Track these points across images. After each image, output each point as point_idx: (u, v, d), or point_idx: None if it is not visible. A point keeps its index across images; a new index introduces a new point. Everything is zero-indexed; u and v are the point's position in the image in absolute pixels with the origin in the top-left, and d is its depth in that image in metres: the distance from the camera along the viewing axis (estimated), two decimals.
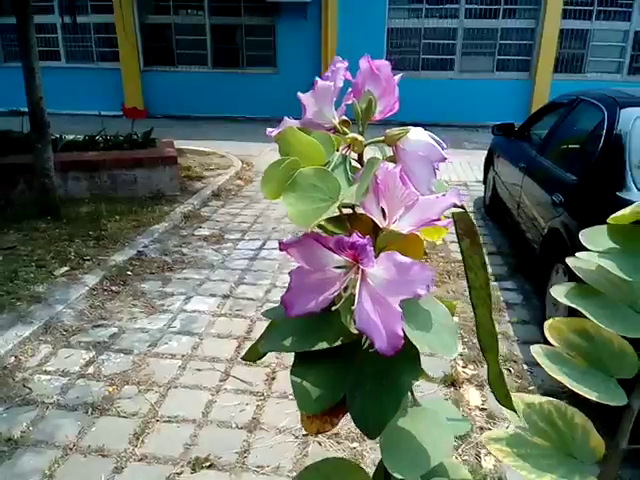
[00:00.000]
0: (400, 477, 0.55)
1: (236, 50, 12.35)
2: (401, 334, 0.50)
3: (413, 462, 0.57)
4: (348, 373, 0.56)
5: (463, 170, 7.87)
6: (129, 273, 4.22)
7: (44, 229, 4.90)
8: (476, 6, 11.40)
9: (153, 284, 4.07)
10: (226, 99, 12.18)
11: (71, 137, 6.54)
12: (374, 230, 0.59)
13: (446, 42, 11.72)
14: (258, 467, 2.33)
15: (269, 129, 0.64)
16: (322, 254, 0.53)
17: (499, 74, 11.80)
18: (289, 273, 0.56)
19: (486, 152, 6.28)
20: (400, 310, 0.50)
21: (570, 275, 2.94)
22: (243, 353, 3.16)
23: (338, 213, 0.60)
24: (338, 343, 0.56)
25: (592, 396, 0.67)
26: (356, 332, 0.54)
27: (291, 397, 2.78)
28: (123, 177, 6.01)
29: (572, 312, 0.75)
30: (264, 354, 0.69)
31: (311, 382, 0.55)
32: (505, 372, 3.02)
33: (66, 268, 4.14)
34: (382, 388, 0.55)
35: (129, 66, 12.28)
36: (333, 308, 0.54)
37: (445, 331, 0.57)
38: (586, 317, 0.73)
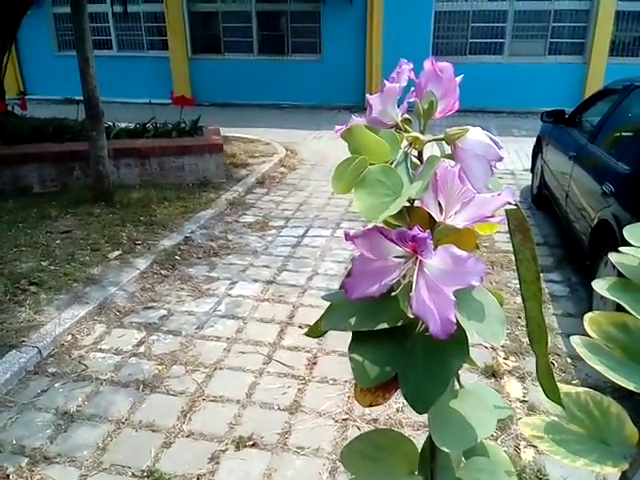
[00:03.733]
0: (446, 450, 0.60)
1: (281, 37, 12.41)
2: (454, 320, 0.54)
3: (458, 438, 0.61)
4: (401, 353, 0.61)
5: (510, 159, 7.69)
6: (177, 258, 4.37)
7: (98, 214, 5.12)
8: None
9: (200, 269, 4.20)
10: (271, 86, 12.28)
11: (123, 125, 6.77)
12: (429, 223, 0.62)
13: (495, 25, 11.39)
14: (299, 448, 2.41)
15: (337, 126, 0.68)
16: (384, 245, 0.58)
17: (551, 58, 11.39)
18: (351, 260, 0.61)
19: (535, 140, 6.12)
20: (454, 298, 0.54)
21: None
22: (285, 337, 3.24)
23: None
24: (397, 324, 0.60)
25: (629, 386, 0.68)
26: (412, 316, 0.59)
27: (331, 382, 2.85)
28: (171, 164, 6.19)
29: (620, 307, 0.76)
30: (324, 332, 0.74)
31: (368, 359, 0.61)
32: None
33: (119, 252, 4.33)
34: (433, 368, 0.60)
35: (177, 54, 12.55)
36: (393, 294, 0.58)
37: (493, 320, 0.60)
38: (627, 312, 0.74)
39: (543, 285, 3.90)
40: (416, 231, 0.54)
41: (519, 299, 3.59)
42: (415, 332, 0.62)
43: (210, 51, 12.72)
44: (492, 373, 2.89)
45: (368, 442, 0.76)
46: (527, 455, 2.36)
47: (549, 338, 3.22)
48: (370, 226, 0.58)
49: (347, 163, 0.61)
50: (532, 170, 6.14)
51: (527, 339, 3.14)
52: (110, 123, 6.51)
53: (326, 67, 12.06)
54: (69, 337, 3.23)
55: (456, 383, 0.69)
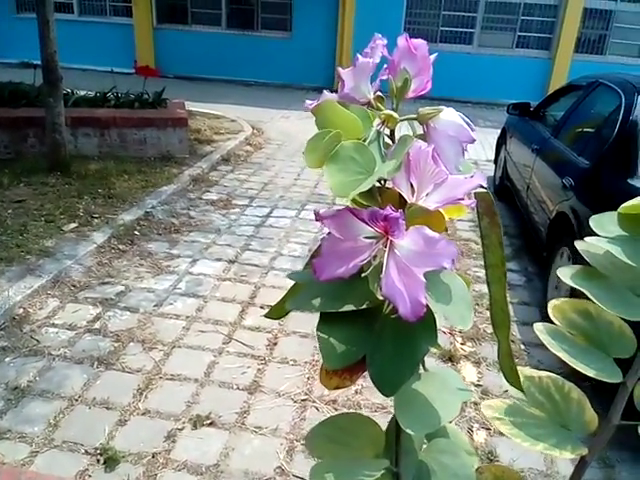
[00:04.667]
0: (412, 433, 0.60)
1: (251, 11, 12.12)
2: (424, 302, 0.53)
3: (423, 420, 0.61)
4: (370, 335, 0.60)
5: (474, 148, 7.81)
6: (136, 233, 4.26)
7: (53, 184, 4.92)
8: None
9: (160, 245, 4.11)
10: (239, 62, 12.02)
11: (82, 93, 6.51)
12: (400, 204, 0.61)
13: (466, 15, 11.47)
14: (257, 427, 2.41)
15: (308, 101, 0.65)
16: (355, 225, 0.56)
17: (519, 51, 11.57)
18: (321, 239, 0.59)
19: (499, 131, 6.22)
20: (424, 280, 0.53)
21: (574, 259, 2.96)
22: (246, 317, 3.22)
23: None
24: (364, 306, 0.59)
25: (590, 372, 0.70)
26: (381, 298, 0.57)
27: (291, 363, 2.85)
28: (133, 136, 6.00)
29: (574, 296, 0.77)
30: (286, 313, 0.72)
31: (336, 340, 0.59)
32: None
33: (75, 224, 4.19)
34: (401, 351, 0.59)
35: (142, 23, 12.09)
36: (362, 275, 0.57)
37: (461, 303, 0.60)
38: (589, 299, 0.76)
39: None
40: (388, 211, 0.53)
41: (478, 286, 3.67)
42: (383, 314, 0.61)
43: (176, 21, 12.31)
44: (449, 357, 2.95)
45: (333, 426, 0.76)
46: (479, 437, 2.43)
47: None
48: (340, 207, 0.57)
49: (320, 136, 0.59)
50: (495, 161, 6.25)
51: (484, 325, 3.18)
52: (69, 90, 6.24)
53: (296, 46, 11.88)
54: (20, 310, 3.11)
55: (420, 366, 0.69)
